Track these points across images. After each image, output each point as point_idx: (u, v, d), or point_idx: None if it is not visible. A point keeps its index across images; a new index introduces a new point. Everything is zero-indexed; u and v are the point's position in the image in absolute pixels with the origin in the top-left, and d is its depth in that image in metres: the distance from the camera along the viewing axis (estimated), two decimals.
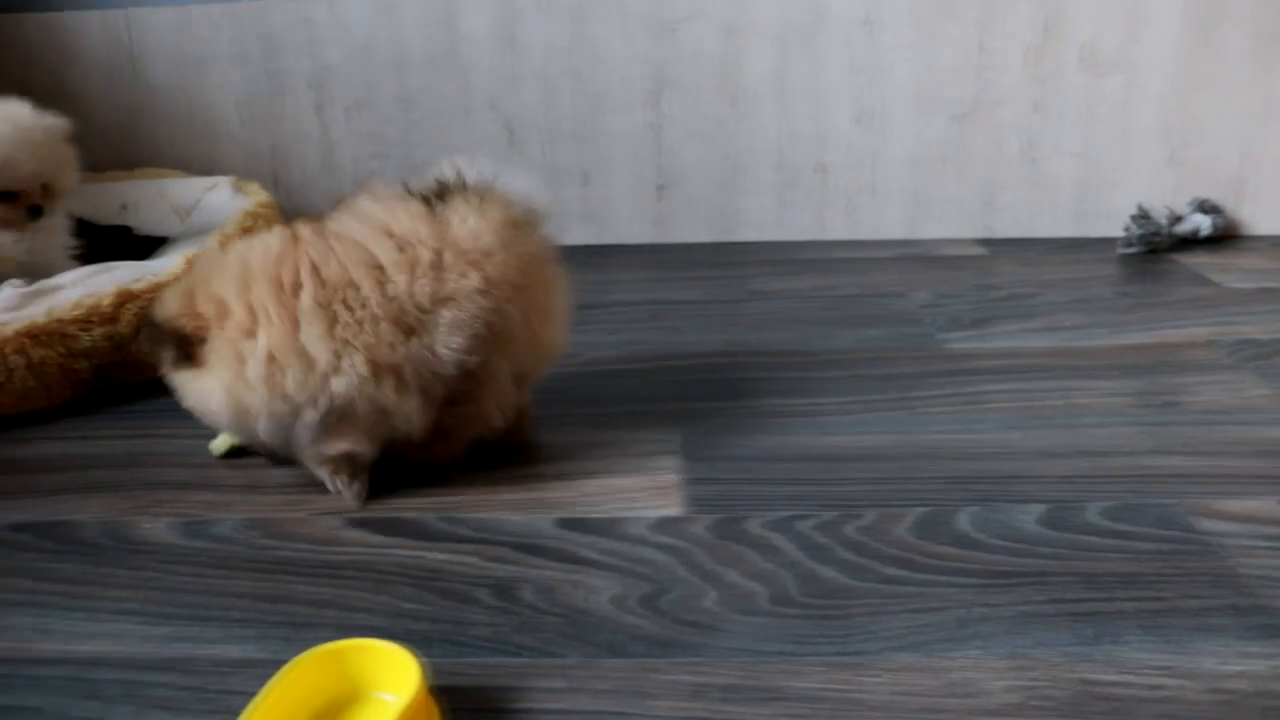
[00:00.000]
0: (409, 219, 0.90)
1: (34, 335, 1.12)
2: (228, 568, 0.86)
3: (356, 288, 0.88)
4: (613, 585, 0.82)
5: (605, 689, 0.70)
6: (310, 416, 0.89)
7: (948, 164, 1.67)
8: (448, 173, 0.93)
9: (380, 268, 0.88)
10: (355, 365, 0.87)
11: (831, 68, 1.64)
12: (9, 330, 1.11)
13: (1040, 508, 0.90)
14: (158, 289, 1.18)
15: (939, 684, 0.70)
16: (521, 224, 0.93)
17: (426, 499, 0.95)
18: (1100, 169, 1.66)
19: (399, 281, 0.88)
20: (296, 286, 0.88)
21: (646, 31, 1.62)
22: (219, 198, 1.53)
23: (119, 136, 1.73)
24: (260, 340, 0.87)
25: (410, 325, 0.88)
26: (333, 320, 0.87)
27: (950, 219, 1.70)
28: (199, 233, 1.38)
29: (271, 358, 0.87)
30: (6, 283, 1.20)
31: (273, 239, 0.91)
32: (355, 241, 0.89)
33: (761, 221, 1.71)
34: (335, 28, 1.66)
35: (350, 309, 0.87)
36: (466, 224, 0.90)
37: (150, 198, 1.57)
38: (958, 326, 1.33)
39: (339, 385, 0.87)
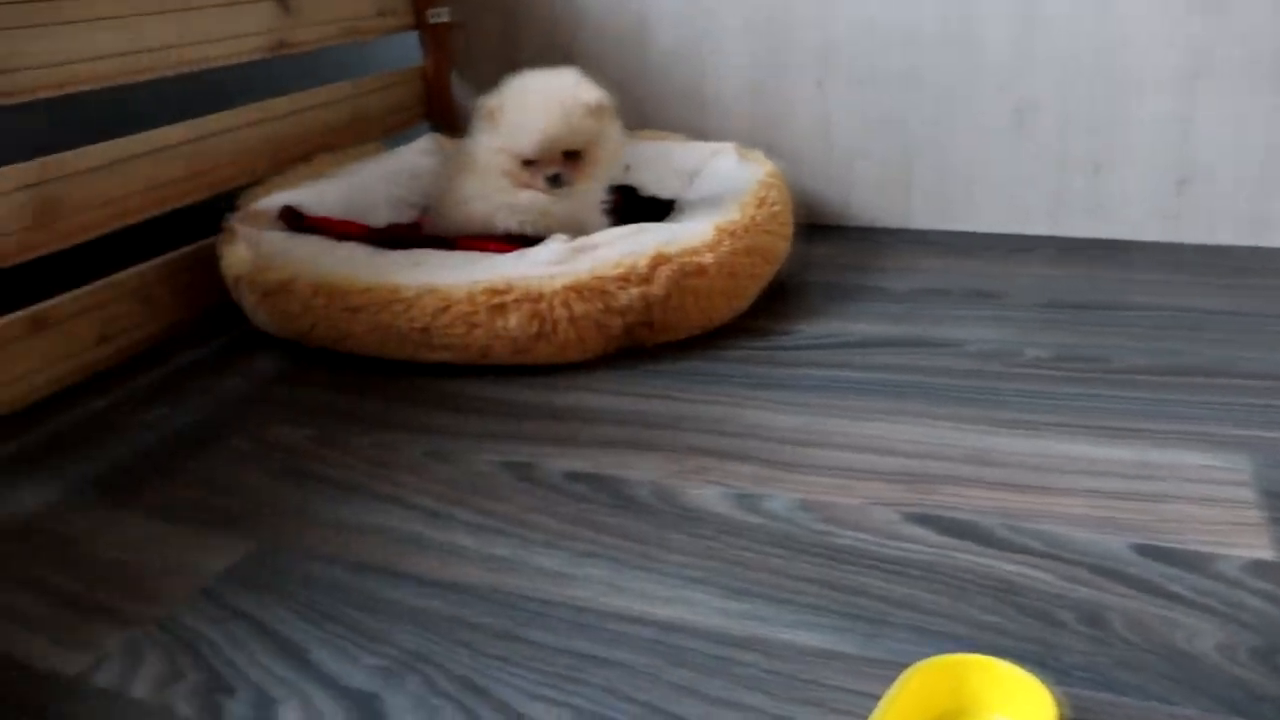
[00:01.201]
0: None
1: (578, 290, 1.16)
2: (788, 549, 0.84)
3: None
4: (1214, 630, 0.73)
5: None
6: None
7: None
8: None
9: None
10: None
11: None
12: (557, 284, 1.16)
13: None
14: (690, 253, 1.20)
15: None
16: None
17: (982, 501, 0.90)
18: None
19: None
20: None
21: (1189, 7, 1.48)
22: (724, 164, 1.53)
23: (624, 98, 1.77)
24: None
25: None
26: None
27: None
28: (712, 199, 1.39)
29: None
30: (553, 237, 1.25)
31: None
32: None
33: None
34: (846, 1, 1.62)
35: None
36: None
37: (653, 160, 1.61)
38: None
39: None
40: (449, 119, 1.94)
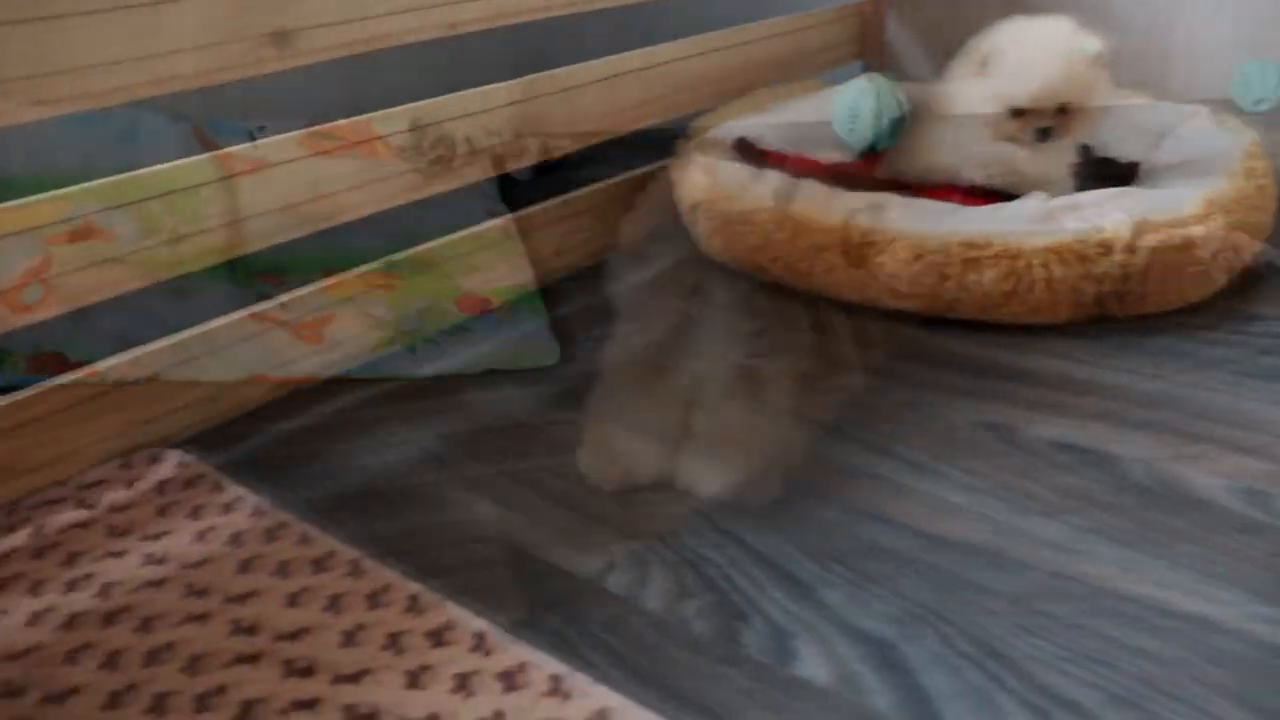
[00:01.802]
0: None
1: (1058, 252, 1.12)
2: None
3: None
4: None
5: None
6: None
7: None
8: None
9: None
10: None
11: None
12: (1038, 243, 1.12)
13: None
14: (1177, 224, 1.13)
15: None
16: None
17: None
18: None
19: None
20: None
21: None
22: (1199, 129, 1.43)
23: None
24: None
25: None
26: None
27: None
28: (1190, 166, 1.30)
29: None
30: (1030, 194, 1.22)
31: None
32: None
33: None
34: None
35: None
36: None
37: (1113, 117, 1.52)
38: None
39: None
40: (881, 58, 1.92)
